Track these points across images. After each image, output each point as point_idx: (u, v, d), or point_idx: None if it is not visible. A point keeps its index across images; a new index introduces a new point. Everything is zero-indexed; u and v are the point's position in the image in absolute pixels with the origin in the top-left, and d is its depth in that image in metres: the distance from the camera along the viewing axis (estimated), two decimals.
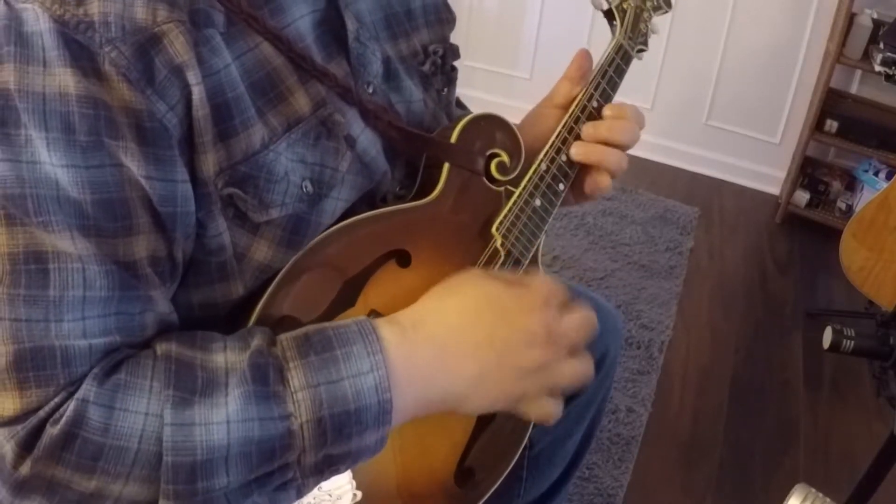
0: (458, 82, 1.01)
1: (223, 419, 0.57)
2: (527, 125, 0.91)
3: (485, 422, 0.79)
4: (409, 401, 0.64)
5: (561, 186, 0.84)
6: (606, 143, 0.84)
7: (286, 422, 0.58)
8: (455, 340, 0.66)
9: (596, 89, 0.86)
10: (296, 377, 0.59)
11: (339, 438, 0.60)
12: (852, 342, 0.99)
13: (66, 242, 0.55)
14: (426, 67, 0.84)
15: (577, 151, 0.84)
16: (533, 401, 0.70)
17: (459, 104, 1.01)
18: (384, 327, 0.64)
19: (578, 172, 0.86)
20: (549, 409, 0.71)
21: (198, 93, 0.59)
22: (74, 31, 0.55)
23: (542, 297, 0.70)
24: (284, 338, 0.62)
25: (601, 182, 0.85)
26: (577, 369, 0.71)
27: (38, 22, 0.55)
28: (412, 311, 0.68)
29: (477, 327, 0.67)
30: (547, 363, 0.69)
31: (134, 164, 0.57)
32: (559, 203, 0.84)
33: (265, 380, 0.59)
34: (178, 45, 0.58)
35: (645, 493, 1.70)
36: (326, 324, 0.64)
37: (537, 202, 0.82)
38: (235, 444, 0.57)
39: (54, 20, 0.55)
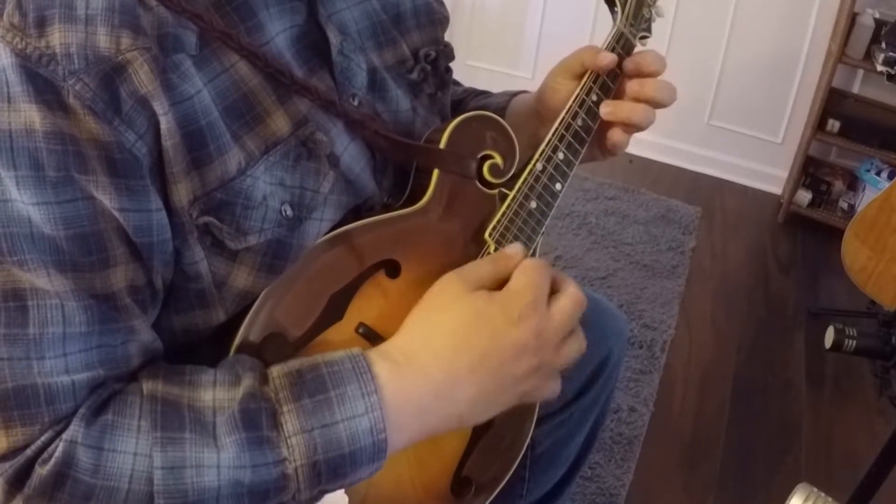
0: (460, 82, 1.01)
1: (214, 463, 0.57)
2: (547, 92, 0.88)
3: (481, 430, 0.78)
4: (405, 434, 0.64)
5: (558, 186, 0.81)
6: (636, 99, 0.83)
7: (280, 466, 0.58)
8: (449, 368, 0.65)
9: (595, 82, 0.83)
10: (290, 421, 0.59)
11: (334, 478, 0.61)
12: (854, 342, 0.99)
13: (42, 280, 0.55)
14: (414, 75, 0.81)
15: (607, 111, 0.82)
16: (534, 392, 0.70)
17: (456, 83, 0.98)
18: (378, 364, 0.63)
19: (600, 127, 0.84)
20: (550, 391, 0.71)
21: (165, 123, 0.57)
22: (37, 65, 0.54)
23: (527, 301, 0.68)
24: (277, 375, 0.61)
25: (620, 139, 0.84)
26: (573, 350, 0.72)
27: (0, 57, 0.54)
28: (402, 340, 0.67)
29: (468, 350, 0.66)
30: (542, 363, 0.69)
31: (106, 197, 0.56)
32: (556, 204, 0.81)
33: (257, 426, 0.58)
34: (142, 75, 0.56)
35: (647, 493, 1.70)
36: (319, 358, 0.63)
37: (533, 204, 0.79)
38: (226, 487, 0.57)
39: (16, 54, 0.54)
